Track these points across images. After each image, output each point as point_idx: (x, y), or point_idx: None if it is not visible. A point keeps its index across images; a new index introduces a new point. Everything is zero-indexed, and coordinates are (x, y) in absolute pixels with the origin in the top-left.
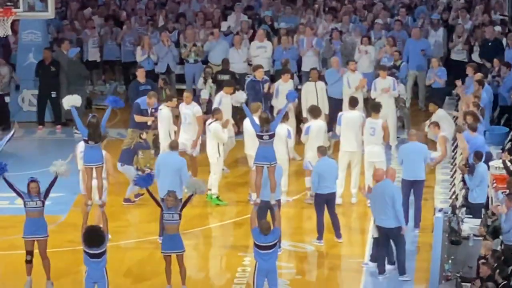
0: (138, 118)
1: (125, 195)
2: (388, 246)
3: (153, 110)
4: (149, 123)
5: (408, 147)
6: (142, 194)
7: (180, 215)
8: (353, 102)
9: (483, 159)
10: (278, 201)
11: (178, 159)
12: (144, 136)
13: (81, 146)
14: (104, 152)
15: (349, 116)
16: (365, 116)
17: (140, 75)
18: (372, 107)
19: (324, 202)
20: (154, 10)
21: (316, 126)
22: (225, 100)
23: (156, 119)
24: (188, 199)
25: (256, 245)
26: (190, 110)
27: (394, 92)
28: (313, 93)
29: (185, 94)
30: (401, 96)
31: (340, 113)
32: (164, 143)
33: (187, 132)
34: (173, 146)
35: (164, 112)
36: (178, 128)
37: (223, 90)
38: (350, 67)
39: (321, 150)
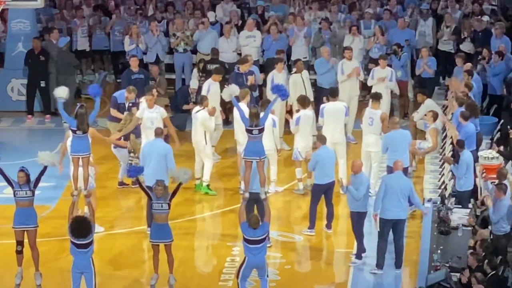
0: (113, 112)
1: (119, 179)
2: (388, 239)
3: (130, 105)
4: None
5: (393, 135)
6: (127, 185)
7: (169, 205)
8: (334, 93)
9: (474, 146)
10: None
11: (163, 145)
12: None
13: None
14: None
15: (331, 108)
16: (347, 107)
17: (133, 64)
18: (372, 97)
19: (323, 192)
20: (143, 0)
21: (305, 116)
22: (213, 88)
23: (131, 113)
24: (177, 188)
25: (245, 240)
26: (156, 113)
27: (391, 83)
28: (300, 84)
29: (147, 97)
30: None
31: (322, 105)
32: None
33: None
34: (158, 133)
35: (144, 104)
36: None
37: (211, 78)
38: (346, 55)
39: (321, 139)
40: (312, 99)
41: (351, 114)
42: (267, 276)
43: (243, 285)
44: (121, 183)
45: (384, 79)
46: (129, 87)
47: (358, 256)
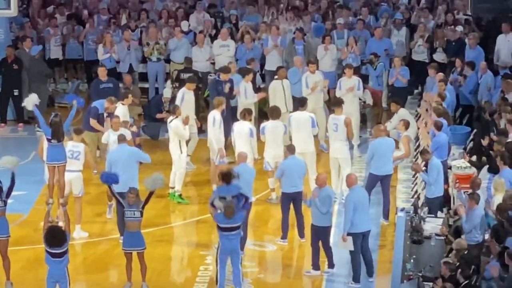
0: (92, 123)
1: None
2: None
3: (106, 115)
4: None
5: (379, 142)
6: None
7: (141, 213)
8: (302, 103)
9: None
10: (250, 202)
11: (129, 149)
12: (133, 128)
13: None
14: (83, 145)
15: (297, 117)
16: (314, 117)
17: (102, 74)
18: (334, 103)
19: (290, 201)
20: (117, 9)
21: (272, 126)
22: (187, 97)
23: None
24: (149, 196)
25: (219, 228)
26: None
27: (359, 92)
28: (281, 91)
29: (114, 120)
30: (362, 98)
31: (289, 115)
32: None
33: None
34: (121, 139)
35: (120, 110)
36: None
37: (185, 86)
38: (310, 69)
39: (289, 149)
40: (292, 108)
41: (319, 125)
42: (241, 264)
43: (223, 272)
44: None
45: (352, 88)
46: (110, 97)
47: (330, 265)
